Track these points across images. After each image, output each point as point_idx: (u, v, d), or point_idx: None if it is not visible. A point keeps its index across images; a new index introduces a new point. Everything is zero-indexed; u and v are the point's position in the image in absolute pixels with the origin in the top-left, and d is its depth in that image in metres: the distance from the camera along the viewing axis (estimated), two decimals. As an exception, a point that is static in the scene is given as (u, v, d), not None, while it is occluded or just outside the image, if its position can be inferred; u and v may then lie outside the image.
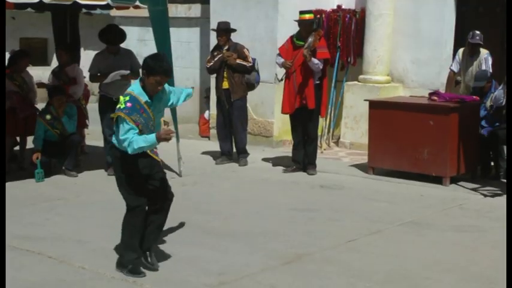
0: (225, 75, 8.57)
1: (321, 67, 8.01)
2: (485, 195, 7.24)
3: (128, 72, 7.85)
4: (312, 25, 8.13)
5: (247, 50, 8.63)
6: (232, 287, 4.67)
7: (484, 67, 8.29)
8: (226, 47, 8.57)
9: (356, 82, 10.05)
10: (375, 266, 5.06)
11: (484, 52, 8.35)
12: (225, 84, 8.61)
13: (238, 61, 8.49)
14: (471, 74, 8.40)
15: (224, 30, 8.58)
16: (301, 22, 8.06)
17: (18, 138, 8.45)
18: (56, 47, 9.26)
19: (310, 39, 7.82)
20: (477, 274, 4.95)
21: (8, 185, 7.39)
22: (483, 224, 6.20)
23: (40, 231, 5.86)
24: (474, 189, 7.47)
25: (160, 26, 7.98)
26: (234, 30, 8.72)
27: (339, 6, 10.29)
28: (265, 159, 9.07)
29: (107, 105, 8.09)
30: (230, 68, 8.52)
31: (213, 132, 9.97)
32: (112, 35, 7.99)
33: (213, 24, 10.44)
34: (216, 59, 8.57)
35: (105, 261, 5.09)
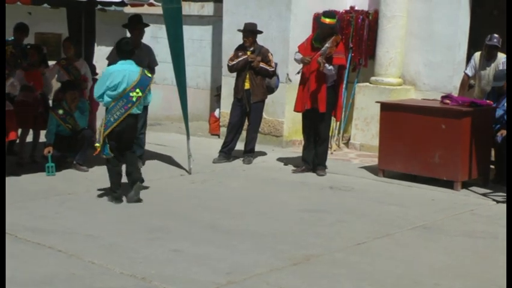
0: (247, 76, 8.59)
1: (334, 72, 7.96)
2: (497, 201, 7.19)
3: None
4: (331, 29, 7.96)
5: (271, 54, 8.66)
6: (240, 286, 4.66)
7: None
8: (251, 48, 8.59)
9: (367, 84, 10.02)
10: (384, 270, 5.04)
11: (501, 56, 8.22)
12: (247, 85, 8.64)
13: (261, 65, 8.51)
14: (488, 79, 8.26)
15: (250, 31, 8.59)
16: (321, 25, 8.03)
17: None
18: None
19: (326, 46, 7.77)
20: (488, 281, 4.91)
21: (19, 178, 7.45)
22: (494, 230, 6.15)
23: (50, 225, 5.86)
24: (486, 195, 7.42)
25: (174, 23, 7.98)
26: (260, 32, 8.72)
27: (351, 7, 10.26)
28: (274, 159, 9.05)
29: None
30: (253, 70, 8.54)
31: (223, 130, 9.96)
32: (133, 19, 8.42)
33: (226, 23, 10.48)
34: (240, 59, 8.58)
35: (114, 257, 5.09)
